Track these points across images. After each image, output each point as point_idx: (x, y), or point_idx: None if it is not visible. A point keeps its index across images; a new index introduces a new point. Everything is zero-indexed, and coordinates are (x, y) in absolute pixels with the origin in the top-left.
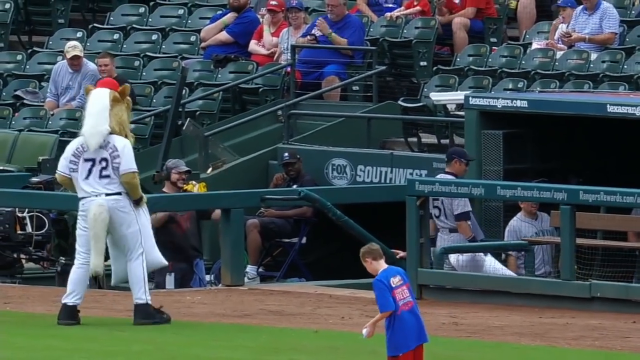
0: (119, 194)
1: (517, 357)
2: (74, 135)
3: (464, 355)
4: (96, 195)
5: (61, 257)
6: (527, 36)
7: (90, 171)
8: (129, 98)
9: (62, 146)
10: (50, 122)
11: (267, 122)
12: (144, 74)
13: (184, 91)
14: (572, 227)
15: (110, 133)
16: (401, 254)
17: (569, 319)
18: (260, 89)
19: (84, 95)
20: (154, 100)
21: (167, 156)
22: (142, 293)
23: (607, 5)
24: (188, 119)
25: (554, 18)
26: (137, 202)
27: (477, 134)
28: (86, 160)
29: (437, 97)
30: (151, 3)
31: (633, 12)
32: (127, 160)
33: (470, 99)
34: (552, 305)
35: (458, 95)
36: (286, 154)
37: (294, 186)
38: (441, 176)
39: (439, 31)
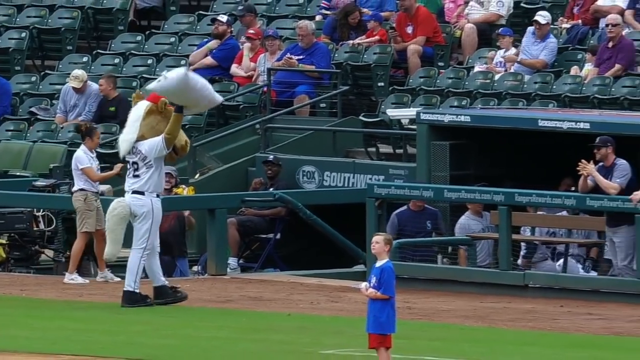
0: (142, 193)
1: (462, 336)
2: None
3: (417, 334)
4: (126, 192)
5: (68, 251)
6: (470, 60)
7: (128, 173)
8: (170, 107)
9: (70, 155)
10: (60, 135)
11: (247, 135)
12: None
13: None
14: (509, 224)
15: (139, 140)
16: None
17: (506, 304)
18: (241, 106)
19: (90, 112)
20: None
21: None
22: (131, 281)
23: (552, 39)
24: None
25: (493, 45)
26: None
27: (427, 144)
28: (131, 162)
29: (392, 113)
30: (147, 32)
31: (561, 39)
32: (153, 146)
33: (421, 114)
34: (492, 292)
35: (411, 111)
36: (272, 156)
37: (270, 189)
38: None
39: (394, 57)
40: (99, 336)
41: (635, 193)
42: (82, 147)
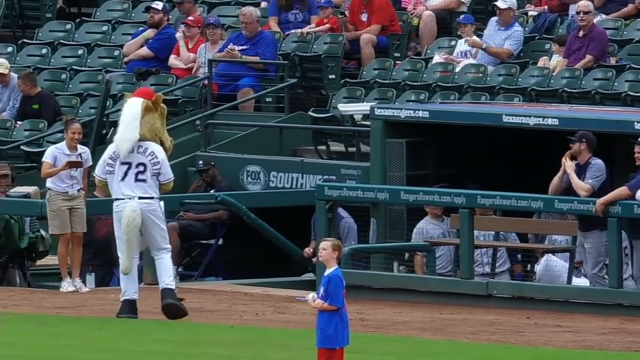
0: (151, 198)
1: (419, 350)
2: (4, 143)
3: (370, 348)
4: (130, 199)
5: None
6: (429, 51)
7: (126, 174)
8: (163, 106)
9: None
10: None
11: (186, 131)
12: (70, 86)
13: (108, 102)
14: (471, 229)
15: (141, 140)
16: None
17: (468, 315)
18: (180, 100)
19: (15, 107)
20: (80, 111)
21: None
22: (171, 280)
23: (518, 28)
24: (112, 128)
25: (453, 34)
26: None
27: (382, 142)
28: (123, 163)
29: (344, 108)
30: (77, 20)
31: (527, 28)
32: (168, 170)
33: (376, 109)
34: (452, 302)
35: (364, 106)
36: (200, 162)
37: (211, 191)
38: None
39: (346, 46)
40: (24, 350)
41: (599, 201)
42: (62, 142)
